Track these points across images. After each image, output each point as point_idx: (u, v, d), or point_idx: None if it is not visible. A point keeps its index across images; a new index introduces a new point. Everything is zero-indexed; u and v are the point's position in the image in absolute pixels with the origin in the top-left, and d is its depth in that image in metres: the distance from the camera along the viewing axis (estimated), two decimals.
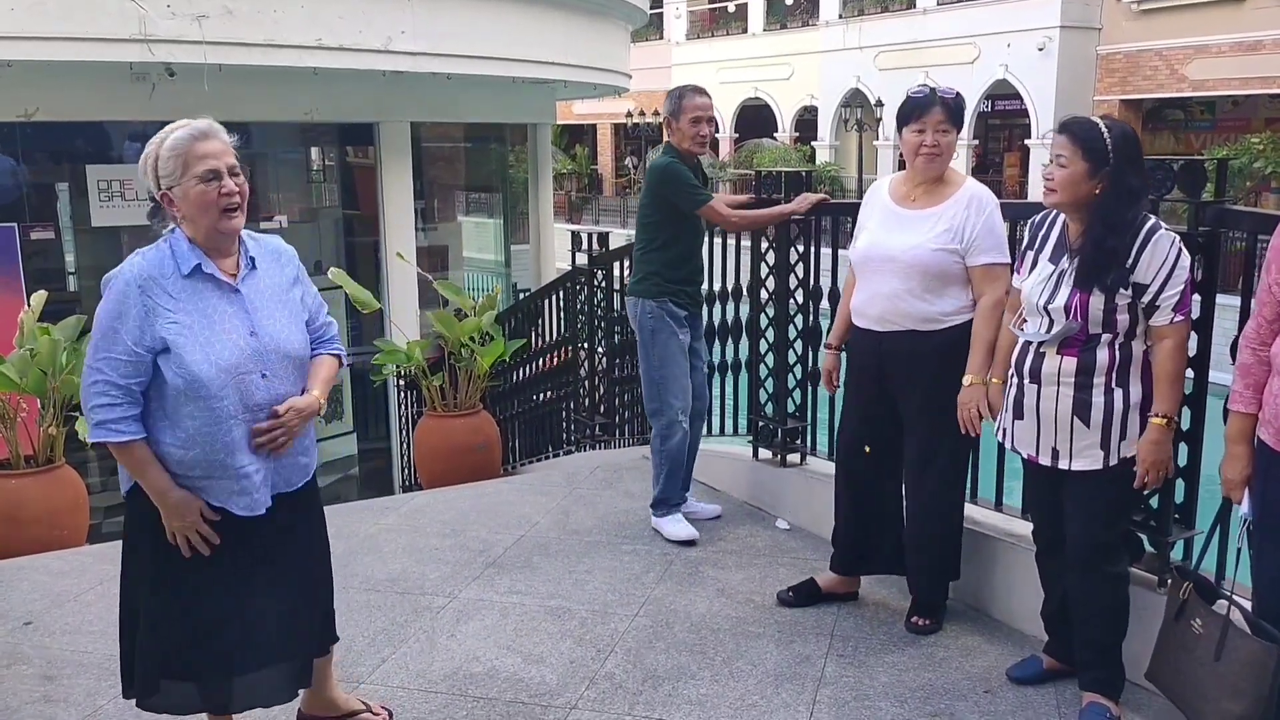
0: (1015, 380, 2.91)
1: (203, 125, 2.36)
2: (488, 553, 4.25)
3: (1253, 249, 2.87)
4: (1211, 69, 19.67)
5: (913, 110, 3.24)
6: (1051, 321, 2.77)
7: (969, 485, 3.60)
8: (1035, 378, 2.83)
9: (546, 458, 6.86)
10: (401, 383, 8.03)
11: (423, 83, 8.23)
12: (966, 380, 3.16)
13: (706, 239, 4.97)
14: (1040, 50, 21.39)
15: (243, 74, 6.93)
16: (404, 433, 8.40)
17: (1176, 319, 2.67)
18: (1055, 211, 2.86)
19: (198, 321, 2.33)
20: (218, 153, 2.35)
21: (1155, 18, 20.39)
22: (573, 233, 6.41)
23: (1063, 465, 2.83)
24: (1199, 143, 21.74)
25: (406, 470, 7.89)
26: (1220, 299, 2.94)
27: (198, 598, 2.42)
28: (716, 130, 30.31)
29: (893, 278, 3.25)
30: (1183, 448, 2.96)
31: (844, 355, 3.64)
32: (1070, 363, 2.76)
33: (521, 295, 9.57)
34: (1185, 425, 2.94)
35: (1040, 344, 2.81)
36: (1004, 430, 3.02)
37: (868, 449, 3.49)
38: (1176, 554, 3.08)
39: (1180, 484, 3.01)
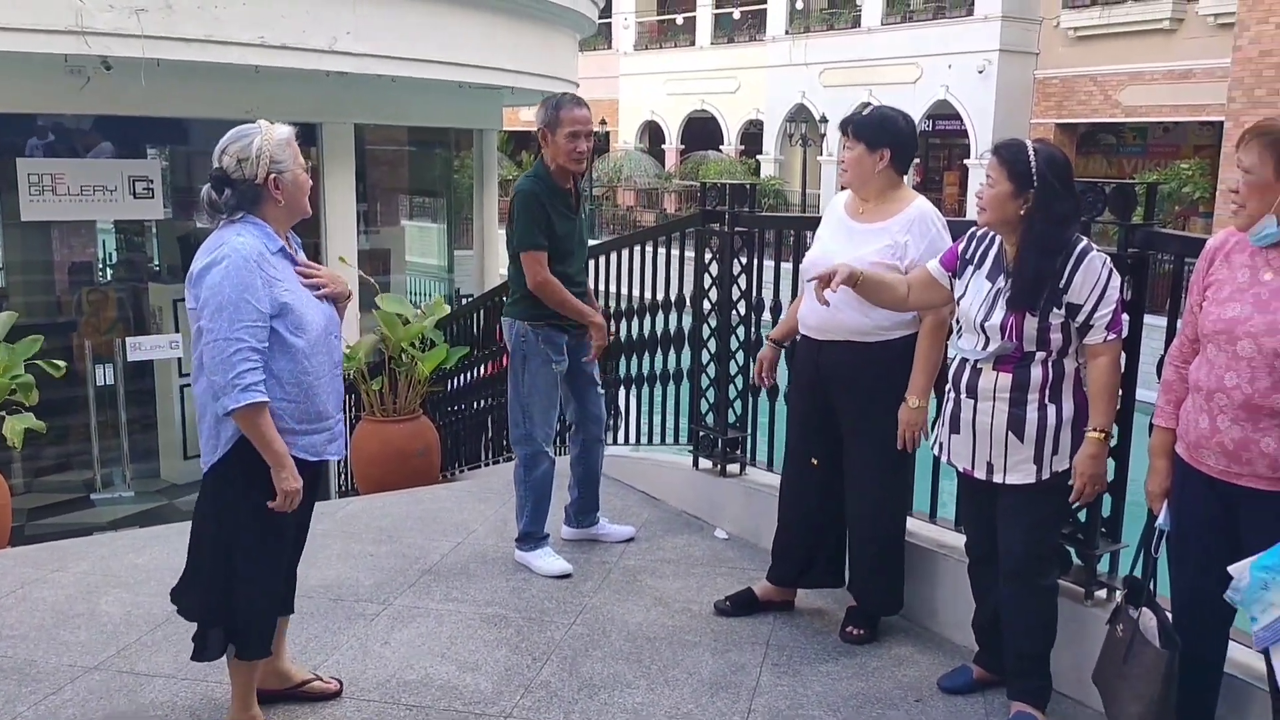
0: (952, 395, 2.96)
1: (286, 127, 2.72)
2: (424, 560, 4.21)
3: (1180, 271, 2.95)
4: (1144, 96, 20.24)
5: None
6: (988, 339, 2.83)
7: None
8: (972, 393, 2.88)
9: (488, 464, 6.82)
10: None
11: (367, 85, 8.16)
12: (912, 402, 3.20)
13: (650, 248, 5.01)
14: (980, 73, 21.84)
15: (182, 70, 6.81)
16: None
17: (1109, 337, 2.75)
18: (974, 238, 2.95)
19: (297, 289, 2.67)
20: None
21: (1090, 44, 20.93)
22: None
23: (997, 479, 2.88)
24: (1130, 167, 22.34)
25: (344, 475, 7.78)
26: (1148, 319, 3.02)
27: (284, 551, 2.80)
28: (622, 145, 30.48)
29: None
30: (1110, 463, 3.04)
31: (785, 361, 3.71)
32: (1006, 379, 2.82)
33: (465, 301, 9.51)
34: (1113, 441, 3.02)
35: (976, 360, 2.86)
36: (940, 444, 3.06)
37: (815, 462, 3.52)
38: (1103, 566, 3.15)
39: (1107, 498, 3.09)
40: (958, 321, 2.98)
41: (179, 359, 8.30)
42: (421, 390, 6.50)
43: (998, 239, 2.90)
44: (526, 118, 29.96)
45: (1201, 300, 2.46)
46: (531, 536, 4.13)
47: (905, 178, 3.45)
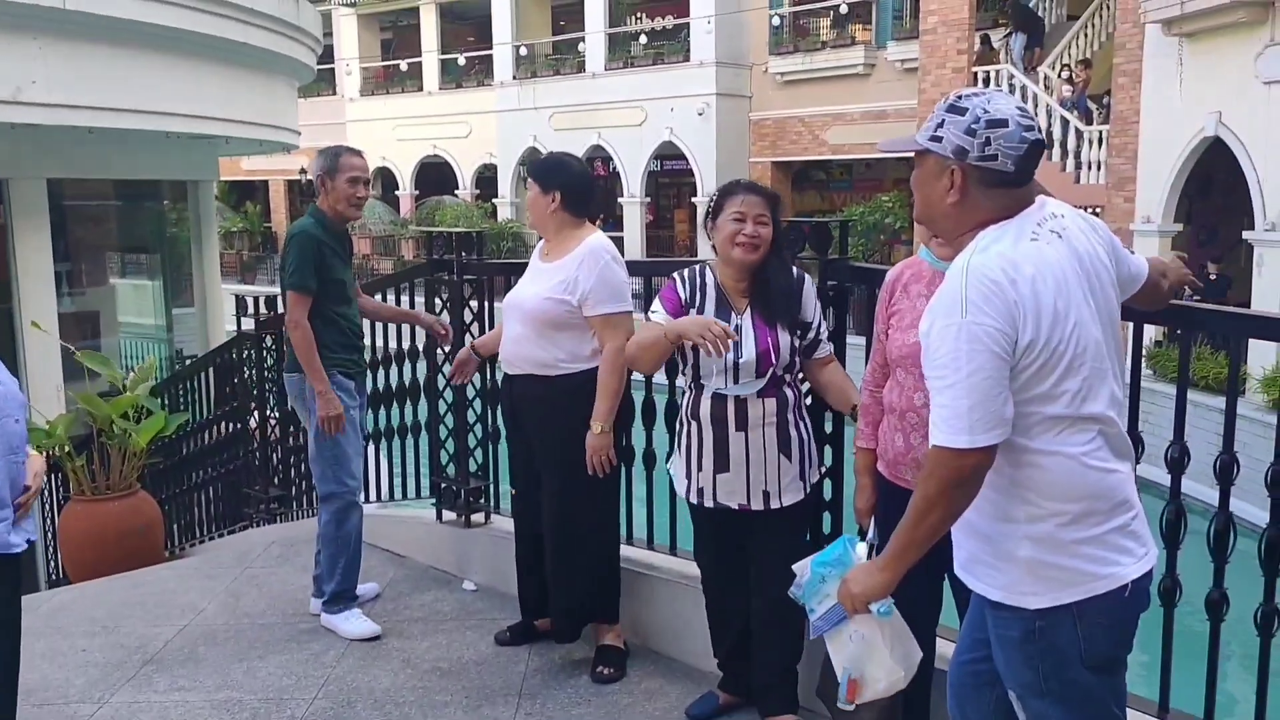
0: (711, 433, 2.97)
1: None
2: (145, 649, 3.88)
3: (871, 299, 3.20)
4: (846, 135, 21.91)
5: None
6: (739, 374, 2.92)
7: (625, 528, 3.74)
8: (742, 425, 2.94)
9: (217, 536, 6.39)
10: None
11: (61, 136, 7.54)
12: (597, 428, 3.31)
13: (380, 297, 4.90)
14: (700, 115, 22.91)
15: None
16: (49, 521, 7.53)
17: (830, 348, 3.07)
18: (703, 269, 3.05)
19: None
20: None
21: (797, 88, 22.47)
22: (237, 296, 6.07)
23: (774, 505, 2.98)
24: (840, 200, 24.09)
25: (52, 563, 7.07)
26: (851, 339, 3.26)
27: None
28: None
29: (518, 324, 3.50)
30: (826, 482, 3.24)
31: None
32: (771, 403, 2.95)
33: (187, 362, 8.92)
34: (828, 462, 3.22)
35: (741, 394, 2.93)
36: (698, 490, 3.03)
37: (513, 491, 3.74)
38: None
39: (827, 515, 3.28)
40: (689, 365, 3.02)
41: None
42: (138, 463, 6.02)
43: (710, 278, 3.03)
44: (250, 167, 28.75)
45: (886, 329, 2.68)
46: (342, 597, 3.99)
47: (587, 219, 3.56)
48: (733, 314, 2.96)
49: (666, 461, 3.28)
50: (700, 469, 3.02)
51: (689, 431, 3.04)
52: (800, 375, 3.08)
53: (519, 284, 3.60)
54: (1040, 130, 1.96)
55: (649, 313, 3.09)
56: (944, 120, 1.91)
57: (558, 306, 3.38)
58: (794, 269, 3.03)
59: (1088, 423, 1.87)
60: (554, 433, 3.44)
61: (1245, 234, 12.88)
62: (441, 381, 4.53)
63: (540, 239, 3.65)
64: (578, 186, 3.49)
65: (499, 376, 4.23)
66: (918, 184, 1.99)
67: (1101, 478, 1.89)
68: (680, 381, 3.17)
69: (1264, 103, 12.06)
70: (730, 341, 2.84)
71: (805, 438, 3.03)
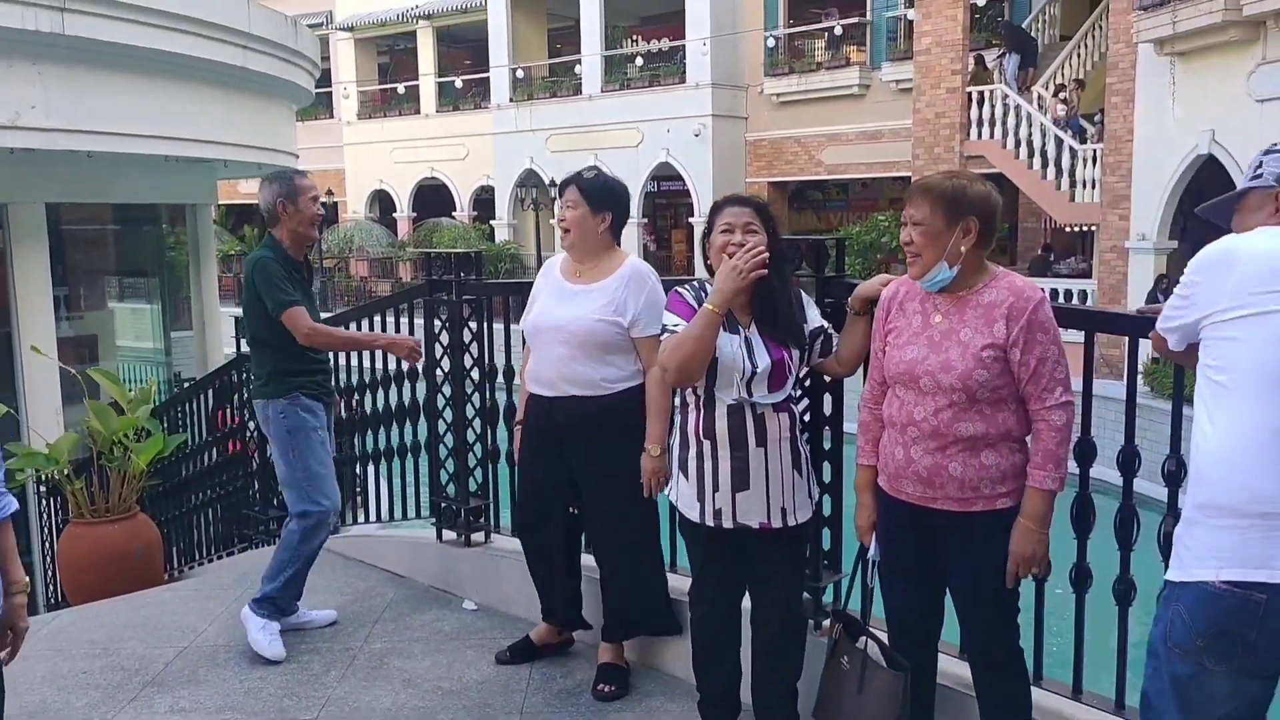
0: (731, 451, 2.89)
1: None
2: (146, 670, 3.87)
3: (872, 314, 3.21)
4: (842, 155, 22.05)
5: (559, 193, 3.55)
6: (752, 385, 2.87)
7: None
8: (762, 440, 2.89)
9: (217, 558, 6.39)
10: (43, 489, 7.21)
11: (60, 161, 7.57)
12: (655, 450, 3.22)
13: (379, 317, 4.91)
14: (697, 136, 23.03)
15: None
16: (48, 544, 7.52)
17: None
18: (702, 285, 3.01)
19: None
20: None
21: (792, 109, 22.61)
22: (236, 318, 6.07)
23: (790, 522, 2.92)
24: (836, 220, 24.21)
25: (51, 585, 7.05)
26: None
27: None
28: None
29: (559, 345, 3.41)
30: (826, 498, 3.25)
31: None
32: (785, 418, 2.91)
33: (186, 384, 8.93)
34: (826, 478, 3.24)
35: (759, 408, 2.88)
36: (715, 511, 2.92)
37: (573, 508, 3.64)
38: (827, 597, 3.35)
39: (826, 531, 3.30)
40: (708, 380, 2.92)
41: None
42: (138, 485, 6.02)
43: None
44: (247, 190, 28.80)
45: (884, 346, 2.71)
46: (273, 604, 3.99)
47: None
48: (740, 329, 2.89)
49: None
50: (717, 489, 2.91)
51: (698, 452, 2.93)
52: (799, 394, 3.09)
53: (544, 306, 3.50)
54: None
55: (666, 328, 2.94)
56: (1261, 162, 2.22)
57: (609, 329, 3.35)
58: (790, 288, 3.00)
59: None
60: (607, 450, 3.38)
61: None
62: (441, 400, 4.54)
63: (541, 260, 3.64)
64: (626, 210, 3.59)
65: (503, 398, 4.27)
66: (1240, 224, 2.23)
67: None
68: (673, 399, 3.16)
69: (1256, 120, 12.15)
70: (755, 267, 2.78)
71: (808, 455, 3.05)
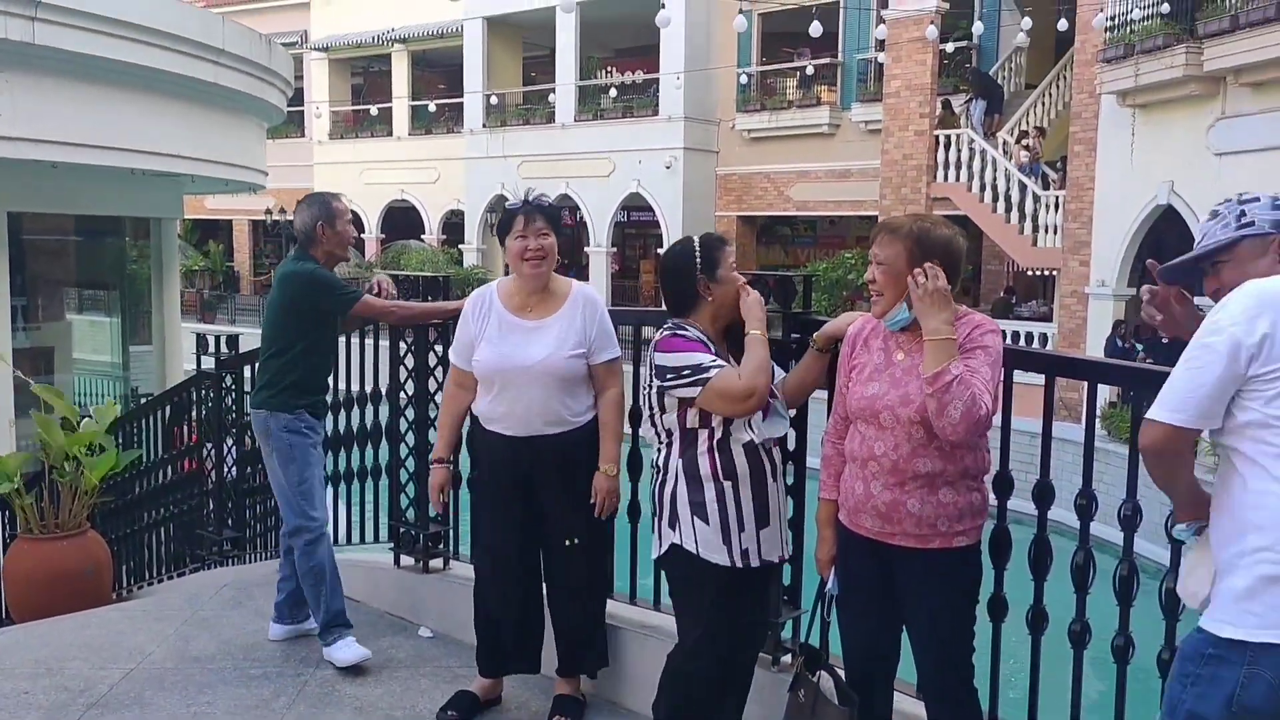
0: (753, 491, 2.86)
1: None
2: (90, 692, 3.78)
3: (834, 353, 3.23)
4: (811, 192, 22.28)
5: (512, 219, 3.37)
6: (758, 424, 2.88)
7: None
8: (775, 474, 2.93)
9: (168, 578, 6.27)
10: None
11: (24, 170, 7.49)
12: (613, 469, 3.33)
13: (343, 340, 4.88)
14: (668, 168, 23.18)
15: None
16: None
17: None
18: (677, 324, 3.00)
19: None
20: None
21: (763, 145, 22.84)
22: (198, 334, 6.02)
23: (788, 552, 3.03)
24: (804, 256, 24.40)
25: None
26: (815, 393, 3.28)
27: None
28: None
29: (533, 387, 3.33)
30: (787, 533, 3.25)
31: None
32: (777, 450, 2.97)
33: (143, 400, 8.80)
34: (789, 513, 3.24)
35: (768, 442, 2.90)
36: (743, 552, 2.86)
37: (479, 562, 3.59)
38: (786, 631, 3.34)
39: (787, 567, 3.29)
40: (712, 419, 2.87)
41: None
42: (90, 501, 5.90)
43: (695, 330, 2.93)
44: (214, 206, 28.63)
45: (848, 382, 2.73)
46: (331, 626, 3.98)
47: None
48: (730, 359, 2.91)
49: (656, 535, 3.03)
50: (743, 529, 2.85)
51: (717, 493, 2.84)
52: None
53: (504, 345, 3.36)
54: None
55: (696, 372, 2.81)
56: (1243, 210, 2.18)
57: (579, 362, 3.33)
58: None
59: None
60: (576, 483, 3.36)
61: (1196, 299, 13.18)
62: (404, 425, 4.51)
63: (474, 290, 3.52)
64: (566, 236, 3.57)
65: (466, 423, 4.23)
66: (1234, 274, 2.14)
67: None
68: (646, 433, 3.07)
69: (1215, 173, 12.44)
70: None
71: None
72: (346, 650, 3.95)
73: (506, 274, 3.58)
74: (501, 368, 3.36)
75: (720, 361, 2.84)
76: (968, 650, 2.65)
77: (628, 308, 20.91)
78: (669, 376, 2.84)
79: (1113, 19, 14.05)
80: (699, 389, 2.80)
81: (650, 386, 2.93)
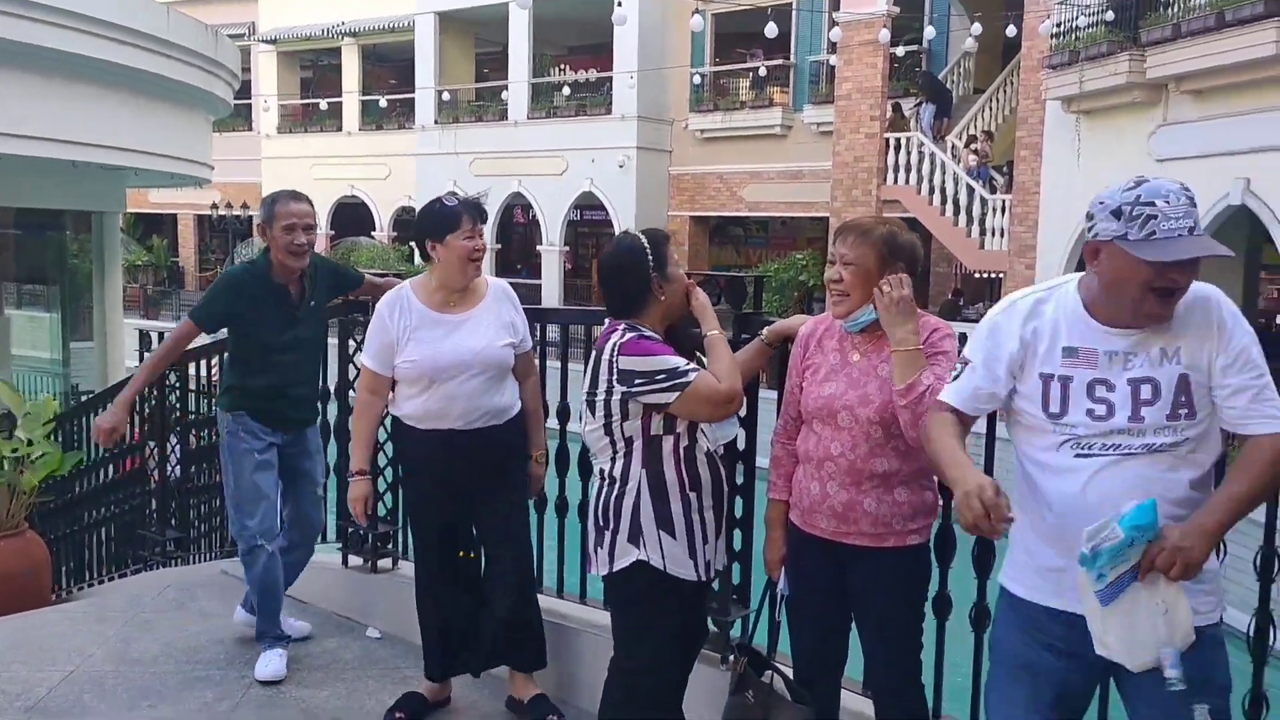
0: (714, 502, 2.83)
1: None
2: (28, 695, 3.70)
3: (784, 353, 3.25)
4: (763, 193, 22.39)
5: (458, 218, 3.33)
6: (710, 431, 2.88)
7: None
8: (729, 483, 2.99)
9: (109, 579, 6.15)
10: None
11: None
12: (543, 458, 3.51)
13: None
14: (621, 167, 23.16)
15: None
16: None
17: None
18: (631, 325, 2.98)
19: None
20: None
21: (716, 145, 22.91)
22: (141, 331, 5.91)
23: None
24: (756, 256, 24.51)
25: None
26: (763, 393, 3.30)
27: None
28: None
29: (475, 379, 3.35)
30: (736, 533, 3.27)
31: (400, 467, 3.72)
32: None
33: (84, 398, 8.62)
34: (738, 513, 3.26)
35: (718, 449, 2.90)
36: (706, 564, 2.83)
37: (470, 554, 3.56)
38: (735, 631, 3.36)
39: (736, 566, 3.31)
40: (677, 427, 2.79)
41: None
42: (28, 500, 5.77)
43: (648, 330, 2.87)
44: (158, 199, 28.11)
45: (801, 382, 2.75)
46: (265, 635, 3.94)
47: None
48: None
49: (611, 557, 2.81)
50: (706, 541, 2.80)
51: (683, 507, 2.74)
52: None
53: (436, 343, 3.32)
54: None
55: (671, 376, 2.68)
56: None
57: (510, 352, 3.44)
58: None
59: None
60: (510, 474, 3.46)
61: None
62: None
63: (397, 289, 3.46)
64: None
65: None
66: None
67: None
68: (592, 441, 2.88)
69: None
70: None
71: None
72: (266, 665, 3.88)
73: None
74: (438, 363, 3.32)
75: (693, 364, 2.73)
76: (916, 647, 2.68)
77: (580, 306, 20.93)
78: (638, 382, 2.67)
79: (1059, 26, 14.28)
80: (675, 394, 2.66)
81: (609, 392, 2.72)
